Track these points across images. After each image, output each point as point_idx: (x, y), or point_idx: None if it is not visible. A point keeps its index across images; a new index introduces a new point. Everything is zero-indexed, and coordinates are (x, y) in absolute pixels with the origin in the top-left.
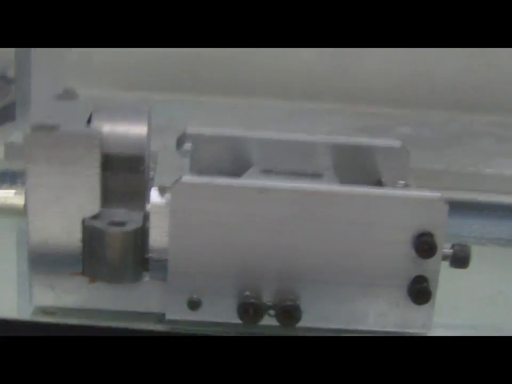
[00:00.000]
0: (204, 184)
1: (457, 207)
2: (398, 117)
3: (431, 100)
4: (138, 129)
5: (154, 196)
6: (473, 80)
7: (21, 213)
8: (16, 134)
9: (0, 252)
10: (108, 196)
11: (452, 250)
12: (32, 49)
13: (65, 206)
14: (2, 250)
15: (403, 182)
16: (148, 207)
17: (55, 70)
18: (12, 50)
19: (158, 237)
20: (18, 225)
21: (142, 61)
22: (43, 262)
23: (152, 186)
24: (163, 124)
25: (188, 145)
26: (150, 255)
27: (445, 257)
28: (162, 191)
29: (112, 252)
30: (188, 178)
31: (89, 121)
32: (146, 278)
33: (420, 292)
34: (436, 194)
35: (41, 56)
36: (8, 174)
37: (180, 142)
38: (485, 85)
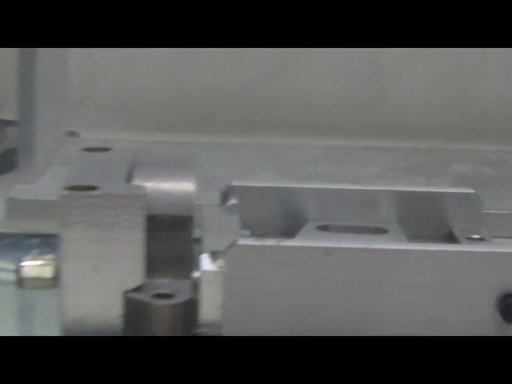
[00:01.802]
0: (263, 247)
1: None
2: (451, 152)
3: (487, 129)
4: (185, 186)
5: (206, 262)
6: None
7: (49, 286)
8: (18, 188)
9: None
10: (151, 264)
11: None
12: (39, 85)
13: (104, 278)
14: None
15: (478, 236)
16: (198, 275)
17: (58, 111)
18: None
19: (210, 309)
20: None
21: (147, 99)
22: None
23: (199, 249)
24: None
25: (234, 200)
26: (200, 330)
27: None
28: (213, 256)
29: (160, 329)
30: (244, 241)
31: (128, 178)
32: None
33: None
34: None
35: (44, 93)
36: (21, 238)
37: (225, 196)
38: None
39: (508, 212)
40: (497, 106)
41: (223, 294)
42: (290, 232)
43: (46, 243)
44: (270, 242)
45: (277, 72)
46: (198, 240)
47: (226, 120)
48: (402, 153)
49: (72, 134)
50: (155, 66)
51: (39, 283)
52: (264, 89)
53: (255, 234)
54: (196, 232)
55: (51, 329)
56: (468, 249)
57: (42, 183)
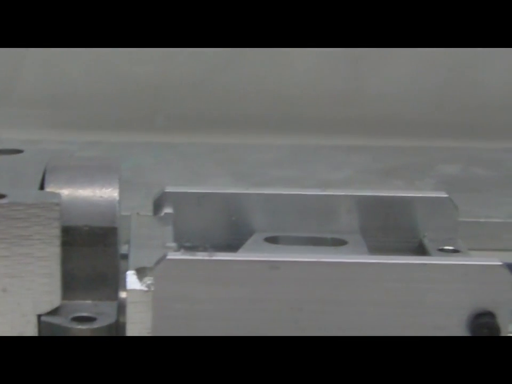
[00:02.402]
0: (197, 261)
1: None
2: (438, 151)
3: (483, 122)
4: (107, 194)
5: (132, 280)
6: None
7: None
8: None
9: None
10: (70, 283)
11: None
12: None
13: (15, 300)
14: None
15: (451, 247)
16: (123, 295)
17: None
18: None
19: (137, 334)
20: None
21: (80, 93)
22: None
23: (126, 266)
24: (125, 176)
25: (167, 209)
26: None
27: None
28: (140, 273)
29: None
30: (175, 255)
31: (42, 184)
32: None
33: None
34: (496, 261)
35: None
36: None
37: (158, 205)
38: None
39: (501, 221)
40: (494, 96)
41: (153, 317)
42: (234, 245)
43: None
44: (201, 255)
45: (234, 56)
46: (124, 256)
47: (171, 115)
48: (380, 152)
49: None
50: (89, 54)
51: None
52: (218, 76)
53: (182, 246)
54: (122, 247)
55: None
56: (433, 262)
57: None
